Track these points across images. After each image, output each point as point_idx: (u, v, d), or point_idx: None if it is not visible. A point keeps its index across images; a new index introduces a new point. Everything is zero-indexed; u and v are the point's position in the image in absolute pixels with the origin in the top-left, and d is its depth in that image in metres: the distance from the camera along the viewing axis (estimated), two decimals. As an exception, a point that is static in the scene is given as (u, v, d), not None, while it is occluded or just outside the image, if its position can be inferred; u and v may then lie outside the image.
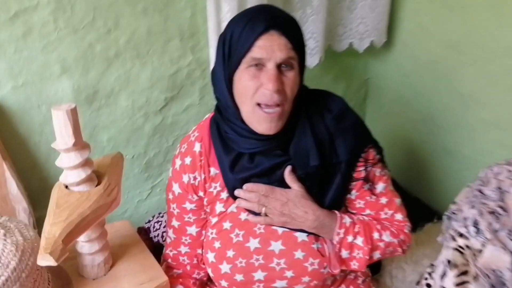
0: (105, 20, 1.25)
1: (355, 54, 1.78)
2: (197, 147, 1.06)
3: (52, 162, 1.35)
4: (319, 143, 1.00)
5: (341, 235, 1.02)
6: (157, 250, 1.48)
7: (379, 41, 1.72)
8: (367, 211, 1.08)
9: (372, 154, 1.06)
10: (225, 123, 1.02)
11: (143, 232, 1.61)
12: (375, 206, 1.08)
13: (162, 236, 1.57)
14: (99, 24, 1.25)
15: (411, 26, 1.72)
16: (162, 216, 1.60)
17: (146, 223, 1.62)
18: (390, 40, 1.78)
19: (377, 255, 1.06)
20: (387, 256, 1.10)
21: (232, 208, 1.07)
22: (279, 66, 0.92)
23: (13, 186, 1.23)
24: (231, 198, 1.06)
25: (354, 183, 1.05)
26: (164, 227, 1.54)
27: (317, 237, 1.04)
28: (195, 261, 1.16)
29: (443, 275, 0.86)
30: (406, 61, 1.79)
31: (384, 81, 1.91)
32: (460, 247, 0.87)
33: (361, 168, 1.04)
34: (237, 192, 1.02)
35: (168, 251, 1.18)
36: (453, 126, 1.69)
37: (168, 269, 1.17)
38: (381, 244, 1.05)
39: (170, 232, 1.16)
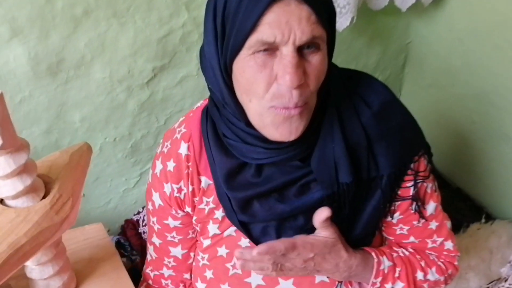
0: (67, -35, 0.94)
1: (395, 12, 1.46)
2: (183, 149, 0.78)
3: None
4: (352, 152, 0.71)
5: (378, 285, 0.76)
6: (145, 250, 1.26)
7: (428, -3, 1.37)
8: (411, 239, 0.81)
9: (423, 163, 0.76)
10: (223, 122, 0.72)
11: (131, 226, 1.38)
12: (423, 233, 0.81)
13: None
14: (58, -29, 0.94)
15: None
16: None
17: (134, 215, 1.40)
18: (439, -3, 1.44)
19: None
20: None
21: (230, 231, 0.80)
22: (299, 49, 0.61)
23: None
24: (231, 220, 0.78)
25: (398, 203, 0.76)
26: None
27: None
28: (181, 287, 0.91)
29: None
30: (460, 21, 1.46)
31: (430, 46, 1.58)
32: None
33: (410, 184, 0.75)
34: (239, 254, 0.72)
35: (148, 271, 0.95)
36: None
37: None
38: (425, 286, 0.83)
39: (151, 249, 0.92)
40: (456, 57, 1.50)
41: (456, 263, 0.86)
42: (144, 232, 1.35)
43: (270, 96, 0.62)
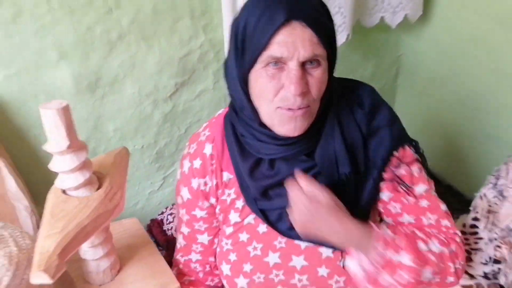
0: (105, -1, 1.12)
1: (386, 29, 1.62)
2: (208, 149, 0.93)
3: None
4: (350, 147, 0.86)
5: (380, 251, 0.82)
6: (170, 244, 1.39)
7: (414, 15, 1.54)
8: (406, 217, 0.92)
9: (409, 152, 0.91)
10: (241, 125, 0.88)
11: (156, 225, 1.52)
12: (415, 210, 0.91)
13: (175, 229, 1.48)
14: (98, 4, 1.12)
15: (451, -2, 1.54)
16: (175, 207, 1.51)
17: (159, 215, 1.54)
18: (426, 14, 1.61)
19: (427, 274, 0.84)
20: (438, 279, 0.87)
21: (250, 219, 0.94)
22: (303, 64, 0.76)
23: (11, 183, 1.13)
24: (247, 207, 0.93)
25: (385, 182, 0.90)
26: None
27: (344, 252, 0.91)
28: (207, 269, 1.06)
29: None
30: (444, 36, 1.62)
31: (418, 58, 1.75)
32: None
33: (394, 167, 0.89)
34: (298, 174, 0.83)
35: (179, 257, 1.08)
36: (495, 109, 1.55)
37: (179, 275, 1.07)
38: (432, 257, 0.85)
39: (180, 237, 1.06)
40: (442, 67, 1.66)
41: (457, 239, 0.90)
42: (168, 230, 1.49)
43: (278, 100, 0.78)
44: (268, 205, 0.91)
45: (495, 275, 1.05)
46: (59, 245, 0.81)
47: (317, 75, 0.77)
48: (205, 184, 0.94)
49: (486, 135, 1.59)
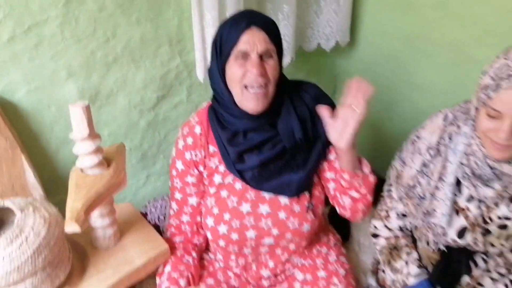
0: (104, 30, 1.45)
1: (323, 53, 2.00)
2: (197, 129, 1.28)
3: (61, 156, 1.54)
4: (302, 120, 1.23)
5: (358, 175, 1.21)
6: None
7: (344, 41, 1.95)
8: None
9: None
10: (222, 108, 1.23)
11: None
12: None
13: (158, 219, 1.77)
14: (99, 34, 1.45)
15: (371, 26, 1.95)
16: (157, 201, 1.80)
17: (143, 207, 1.82)
18: (353, 40, 2.01)
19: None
20: (354, 198, 1.23)
21: (229, 179, 1.28)
22: (261, 56, 1.13)
23: (30, 176, 1.42)
24: (227, 171, 1.26)
25: (332, 146, 1.24)
26: (160, 211, 1.75)
27: (297, 200, 1.25)
28: (195, 228, 1.37)
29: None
30: (368, 57, 2.02)
31: (350, 76, 2.01)
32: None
33: None
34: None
35: (172, 221, 1.38)
36: (409, 113, 1.92)
37: (171, 237, 1.37)
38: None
39: (174, 204, 1.36)
40: (369, 82, 2.06)
41: (371, 188, 1.23)
42: (151, 219, 1.78)
43: (245, 80, 1.14)
44: (243, 166, 1.24)
45: (406, 226, 1.39)
46: (84, 205, 1.12)
47: (271, 63, 1.15)
48: (196, 155, 1.28)
49: (405, 133, 1.96)
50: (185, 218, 1.35)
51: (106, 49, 1.48)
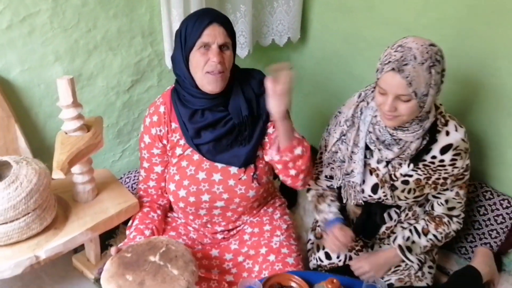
0: (86, 22, 1.73)
1: (278, 48, 2.30)
2: (161, 109, 1.50)
3: (48, 128, 1.81)
4: (248, 100, 1.45)
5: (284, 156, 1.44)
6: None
7: (295, 37, 2.26)
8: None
9: None
10: (184, 90, 1.45)
11: (117, 186, 2.07)
12: None
13: (131, 187, 2.03)
14: (82, 25, 1.73)
15: (318, 25, 2.26)
16: (131, 173, 2.07)
17: (119, 179, 2.09)
18: (303, 37, 2.32)
19: (298, 151, 1.42)
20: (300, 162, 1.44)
21: (188, 151, 1.50)
22: (220, 47, 1.35)
23: (22, 142, 1.69)
24: (187, 144, 1.48)
25: (270, 122, 1.49)
26: (133, 181, 2.01)
27: (244, 170, 1.48)
28: (159, 192, 1.61)
29: None
30: (317, 52, 2.33)
31: (303, 69, 2.44)
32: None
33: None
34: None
35: (140, 186, 1.63)
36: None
37: (140, 198, 1.62)
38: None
39: (142, 171, 1.60)
40: (318, 74, 2.34)
41: (306, 162, 1.44)
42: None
43: (206, 67, 1.35)
44: (199, 141, 1.46)
45: (332, 186, 1.63)
46: (67, 158, 1.40)
47: (228, 53, 1.38)
48: (160, 131, 1.50)
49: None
50: (152, 183, 1.59)
51: (88, 38, 1.76)
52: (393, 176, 1.48)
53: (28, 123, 1.76)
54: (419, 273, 1.53)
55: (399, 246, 1.52)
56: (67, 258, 1.86)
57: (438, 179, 1.44)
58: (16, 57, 1.64)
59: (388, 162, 1.48)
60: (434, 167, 1.42)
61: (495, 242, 1.70)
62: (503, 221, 1.67)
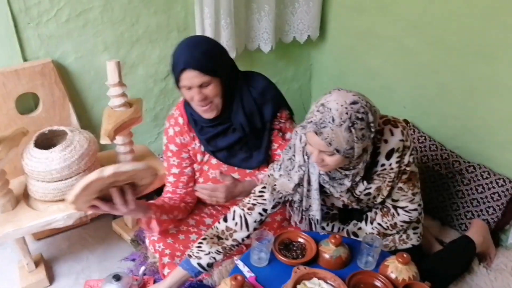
0: (131, 18, 2.01)
1: (299, 45, 2.52)
2: (180, 120, 1.58)
3: (95, 109, 2.10)
4: (248, 115, 1.50)
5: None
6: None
7: (314, 35, 2.48)
8: (279, 152, 1.59)
9: (285, 114, 1.57)
10: (191, 108, 1.50)
11: (152, 165, 2.34)
12: (283, 147, 1.57)
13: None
14: (127, 20, 2.01)
15: (335, 24, 2.48)
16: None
17: (154, 158, 2.35)
18: (322, 35, 2.54)
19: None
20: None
21: (207, 157, 1.62)
22: (200, 86, 1.38)
23: (74, 119, 1.98)
24: (206, 151, 1.59)
25: (273, 132, 1.57)
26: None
27: (258, 169, 1.60)
28: (188, 190, 1.66)
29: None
30: (334, 49, 2.54)
31: (322, 65, 2.65)
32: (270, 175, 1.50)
33: (276, 123, 1.56)
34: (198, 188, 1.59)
35: (168, 189, 1.67)
36: (365, 91, 2.41)
37: (168, 199, 1.63)
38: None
39: (171, 178, 1.64)
40: (335, 69, 2.55)
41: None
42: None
43: (194, 102, 1.41)
44: (213, 147, 1.57)
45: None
46: (113, 128, 1.67)
47: (210, 88, 1.40)
48: (184, 139, 1.58)
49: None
50: (181, 185, 1.66)
51: (132, 31, 2.05)
52: (355, 194, 1.49)
53: (79, 104, 2.04)
54: (404, 236, 1.57)
55: (347, 231, 1.60)
56: (107, 223, 2.14)
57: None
58: (72, 46, 1.93)
59: (348, 190, 1.48)
60: (387, 172, 1.42)
61: (492, 218, 1.85)
62: (499, 198, 1.82)
